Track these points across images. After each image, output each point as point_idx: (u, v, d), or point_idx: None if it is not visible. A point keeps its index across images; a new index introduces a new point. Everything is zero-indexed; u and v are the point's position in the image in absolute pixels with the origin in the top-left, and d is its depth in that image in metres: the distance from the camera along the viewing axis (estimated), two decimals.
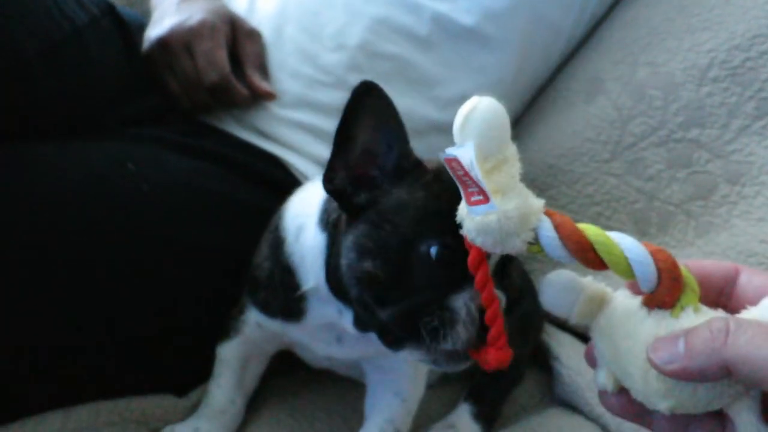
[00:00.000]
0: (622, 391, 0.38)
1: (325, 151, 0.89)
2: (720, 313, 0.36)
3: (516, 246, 0.37)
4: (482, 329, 0.48)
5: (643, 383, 0.35)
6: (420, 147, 0.91)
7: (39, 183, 0.69)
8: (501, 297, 0.50)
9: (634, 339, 0.36)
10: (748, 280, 0.39)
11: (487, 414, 0.76)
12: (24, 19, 0.72)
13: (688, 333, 0.34)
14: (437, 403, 0.78)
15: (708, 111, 0.87)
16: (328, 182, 0.54)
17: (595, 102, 0.96)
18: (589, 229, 0.36)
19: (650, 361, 0.35)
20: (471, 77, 0.95)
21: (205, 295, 0.76)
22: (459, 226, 0.46)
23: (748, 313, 0.35)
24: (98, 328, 0.69)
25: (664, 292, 0.35)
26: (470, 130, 0.37)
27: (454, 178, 0.38)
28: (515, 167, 0.38)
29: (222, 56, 0.89)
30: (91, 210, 0.70)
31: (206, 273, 0.76)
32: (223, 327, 0.72)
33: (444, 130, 0.95)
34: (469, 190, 0.37)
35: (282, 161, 0.88)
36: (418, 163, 0.54)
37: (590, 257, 0.36)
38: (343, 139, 0.53)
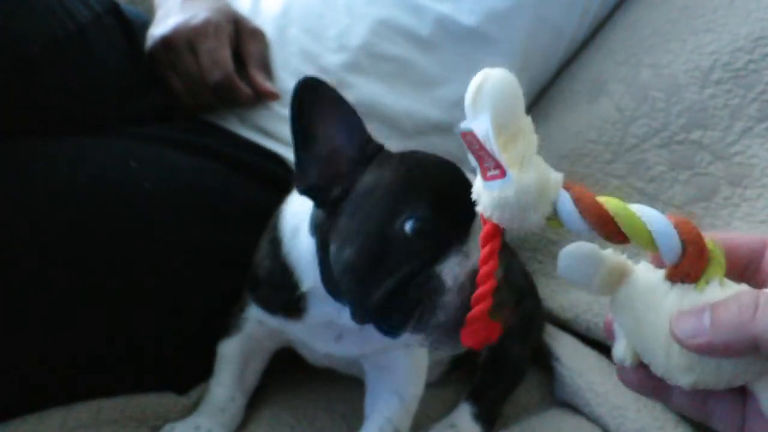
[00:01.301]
0: (641, 365, 0.37)
1: None
2: (745, 287, 0.34)
3: (534, 220, 0.36)
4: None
5: (665, 358, 0.34)
6: (422, 148, 0.92)
7: (40, 181, 0.68)
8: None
9: (656, 313, 0.35)
10: None
11: (488, 414, 0.76)
12: (27, 16, 0.72)
13: (714, 306, 0.32)
14: (437, 403, 0.78)
15: (710, 113, 0.86)
16: (300, 182, 0.55)
17: (597, 103, 0.96)
18: (610, 202, 0.35)
19: (673, 335, 0.33)
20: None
21: (207, 294, 0.76)
22: (433, 199, 0.49)
23: None
24: (98, 327, 0.69)
25: (689, 264, 0.34)
26: (483, 101, 0.36)
27: (470, 153, 0.37)
28: (531, 139, 0.37)
29: (225, 55, 0.89)
30: (92, 208, 0.70)
31: (208, 271, 0.76)
32: (225, 324, 0.72)
33: (446, 131, 0.96)
34: (485, 164, 0.36)
35: (285, 160, 0.88)
36: (380, 148, 0.56)
37: (611, 230, 0.35)
38: (302, 136, 0.54)
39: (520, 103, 0.37)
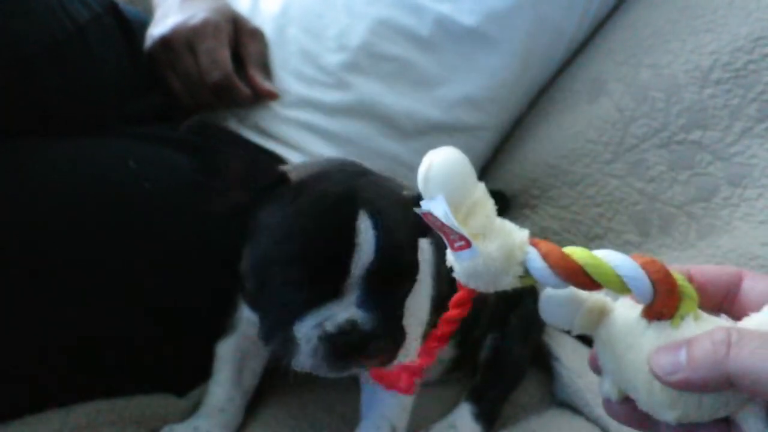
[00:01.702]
0: (627, 399, 0.38)
1: (326, 150, 0.90)
2: (722, 320, 0.36)
3: (507, 282, 0.37)
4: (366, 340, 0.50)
5: (648, 394, 0.35)
6: (422, 147, 0.92)
7: (41, 181, 0.68)
8: (361, 318, 0.51)
9: (636, 351, 0.36)
10: (752, 285, 0.38)
11: (488, 414, 0.76)
12: (27, 16, 0.72)
13: (689, 343, 0.33)
14: (438, 403, 0.78)
15: (710, 113, 0.86)
16: (215, 207, 0.58)
17: (597, 103, 0.96)
18: (576, 252, 0.36)
19: (652, 371, 0.34)
20: (473, 78, 0.96)
21: (207, 294, 0.76)
22: (309, 253, 0.51)
23: (750, 321, 0.35)
24: (98, 327, 0.69)
25: (661, 303, 0.35)
26: (434, 185, 0.37)
27: (435, 229, 0.38)
28: (489, 207, 0.38)
29: (224, 55, 0.88)
30: (92, 208, 0.70)
31: (208, 271, 0.76)
32: (222, 325, 0.72)
33: (446, 131, 0.96)
34: (451, 237, 0.38)
35: (284, 160, 0.88)
36: (281, 177, 0.56)
37: (583, 280, 0.36)
38: (208, 174, 0.56)
39: (471, 178, 0.38)
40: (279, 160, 0.88)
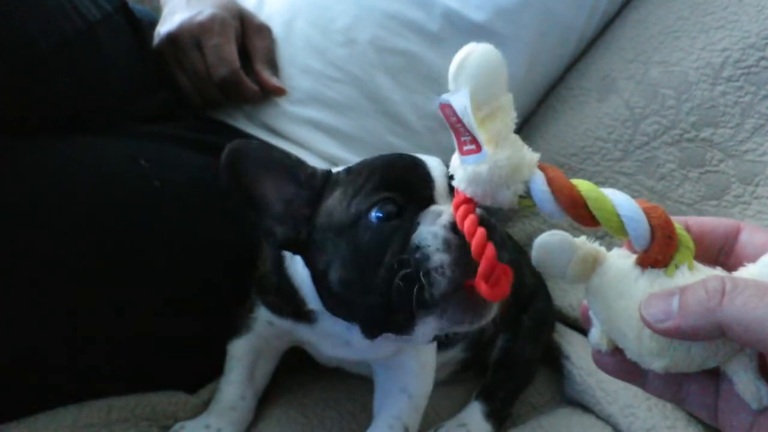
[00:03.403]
0: (616, 350, 0.37)
1: (334, 148, 0.89)
2: (717, 271, 0.35)
3: (506, 198, 0.36)
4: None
5: (637, 343, 0.34)
6: (429, 144, 0.92)
7: (51, 179, 0.68)
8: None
9: (627, 298, 0.35)
10: (749, 237, 0.38)
11: (499, 413, 0.76)
12: (38, 15, 0.71)
13: (682, 291, 0.33)
14: (448, 402, 0.78)
15: (721, 110, 0.86)
16: (272, 241, 0.56)
17: (607, 101, 0.95)
18: (582, 185, 0.35)
19: (643, 318, 0.33)
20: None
21: (217, 292, 0.76)
22: (386, 184, 0.51)
23: (746, 270, 0.34)
24: (109, 325, 0.69)
25: (658, 249, 0.34)
26: (464, 76, 0.35)
27: (448, 126, 0.37)
28: (510, 116, 0.36)
29: (231, 51, 0.88)
30: (103, 206, 0.70)
31: (217, 269, 0.76)
32: (234, 324, 0.72)
33: None
34: (462, 138, 0.36)
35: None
36: (326, 174, 0.56)
37: (582, 213, 0.35)
38: (253, 204, 0.55)
39: (502, 81, 0.36)
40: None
